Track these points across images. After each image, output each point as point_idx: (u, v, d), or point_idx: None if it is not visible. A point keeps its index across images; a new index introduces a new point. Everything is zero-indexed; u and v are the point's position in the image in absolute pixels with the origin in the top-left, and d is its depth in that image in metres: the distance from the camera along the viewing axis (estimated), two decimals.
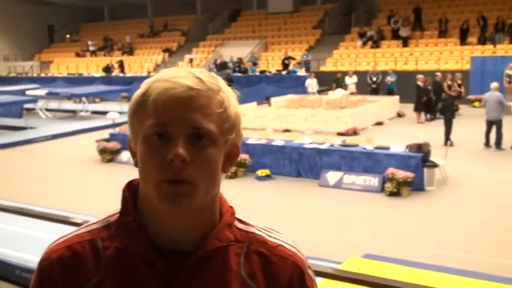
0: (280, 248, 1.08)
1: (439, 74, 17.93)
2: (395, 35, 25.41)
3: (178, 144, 0.93)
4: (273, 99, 18.78)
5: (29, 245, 6.71)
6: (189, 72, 0.99)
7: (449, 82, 17.92)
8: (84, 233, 1.05)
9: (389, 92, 19.99)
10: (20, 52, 36.00)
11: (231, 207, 1.09)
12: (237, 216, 1.09)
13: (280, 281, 1.05)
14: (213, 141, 0.97)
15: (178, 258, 1.00)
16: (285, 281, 1.05)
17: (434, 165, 9.77)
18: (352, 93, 19.79)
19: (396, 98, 18.86)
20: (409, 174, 9.33)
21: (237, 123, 1.02)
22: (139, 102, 0.98)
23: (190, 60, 28.58)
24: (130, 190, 1.06)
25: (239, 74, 24.61)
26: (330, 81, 21.61)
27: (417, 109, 16.96)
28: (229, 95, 1.01)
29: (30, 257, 6.24)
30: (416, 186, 9.50)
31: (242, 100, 1.07)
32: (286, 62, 25.44)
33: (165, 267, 0.99)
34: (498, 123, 12.45)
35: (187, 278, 0.99)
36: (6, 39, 35.72)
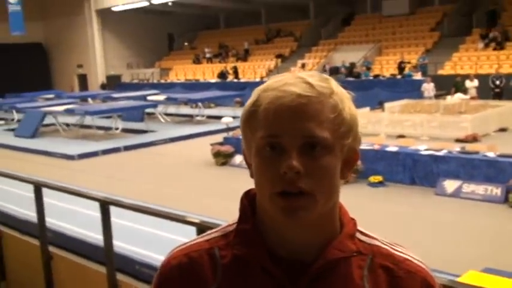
0: (408, 263, 1.01)
1: None
2: None
3: (292, 156, 0.90)
4: (386, 104, 18.30)
5: (146, 240, 7.07)
6: (299, 77, 0.95)
7: None
8: (203, 242, 1.06)
9: None
10: (142, 60, 38.19)
11: (352, 218, 1.04)
12: (359, 228, 1.04)
13: None
14: (327, 149, 0.92)
15: (296, 268, 0.97)
16: None
17: None
18: (472, 98, 18.75)
19: None
20: None
21: (353, 126, 0.97)
22: (250, 112, 0.96)
23: (303, 66, 28.69)
24: (248, 199, 1.04)
25: (351, 79, 24.28)
26: (448, 85, 20.63)
27: None
28: (343, 97, 0.96)
29: (147, 252, 6.57)
30: None
31: (355, 105, 1.01)
32: (402, 65, 24.69)
33: (283, 277, 0.96)
34: None
35: None
36: (129, 48, 38.06)
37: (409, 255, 1.03)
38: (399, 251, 1.03)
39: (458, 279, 5.18)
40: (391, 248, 1.03)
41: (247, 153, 1.00)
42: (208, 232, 1.08)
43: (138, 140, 17.52)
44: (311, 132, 0.91)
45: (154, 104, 22.24)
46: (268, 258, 0.97)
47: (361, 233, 1.04)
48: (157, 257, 6.17)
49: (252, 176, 0.99)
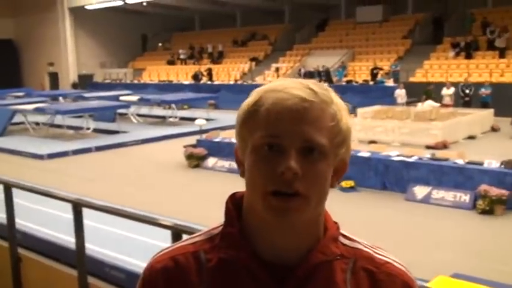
0: (389, 266, 1.04)
1: None
2: (490, 46, 24.27)
3: (291, 157, 0.92)
4: (359, 110, 18.49)
5: (118, 244, 6.99)
6: (302, 83, 0.97)
7: None
8: (188, 245, 1.06)
9: (484, 105, 19.11)
10: (115, 59, 37.82)
11: (335, 222, 1.06)
12: (342, 231, 1.06)
13: None
14: (324, 155, 0.94)
15: (282, 271, 0.98)
16: None
17: None
18: (447, 105, 19.07)
19: (491, 111, 17.97)
20: (503, 192, 8.83)
21: (347, 137, 0.99)
22: (250, 112, 0.97)
23: (277, 69, 28.80)
24: (233, 203, 1.05)
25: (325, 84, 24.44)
26: (419, 92, 20.97)
27: None
28: (341, 107, 0.99)
29: (118, 255, 6.50)
30: None
31: None
32: (375, 72, 25.00)
33: (268, 280, 0.97)
34: None
35: None
36: (102, 47, 37.68)
37: (390, 259, 1.05)
38: (381, 254, 1.05)
39: (428, 285, 5.26)
40: (373, 251, 1.05)
41: (240, 152, 1.01)
42: (192, 236, 1.09)
43: (110, 141, 17.32)
44: (311, 136, 0.93)
45: (127, 105, 22.04)
46: (254, 262, 0.98)
47: (344, 236, 1.06)
48: (128, 260, 6.11)
49: (242, 174, 1.00)
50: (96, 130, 19.49)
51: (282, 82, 0.98)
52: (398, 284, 1.02)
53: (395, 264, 1.05)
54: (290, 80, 0.99)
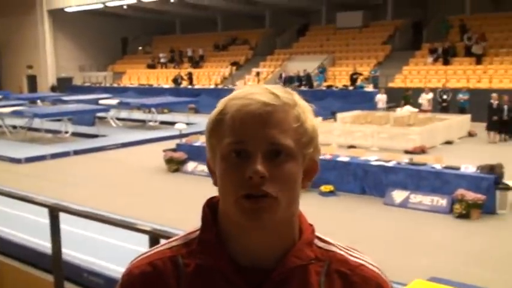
0: (362, 268, 1.05)
1: None
2: (468, 52, 24.64)
3: (257, 161, 0.93)
4: (338, 115, 18.62)
5: (96, 249, 6.93)
6: (264, 88, 0.99)
7: None
8: (165, 250, 1.06)
9: (461, 110, 19.38)
10: (94, 63, 37.53)
11: (310, 225, 1.07)
12: (317, 234, 1.08)
13: None
14: (291, 157, 0.96)
15: (258, 275, 0.99)
16: None
17: (508, 188, 9.35)
18: (425, 111, 19.29)
19: (468, 116, 18.23)
20: (479, 196, 8.96)
21: (314, 137, 1.01)
22: (217, 121, 0.99)
23: (257, 74, 28.84)
24: (210, 207, 1.06)
25: (305, 89, 24.57)
26: (398, 97, 21.20)
27: (489, 128, 16.38)
28: (305, 109, 1.00)
29: (96, 260, 6.45)
30: (487, 209, 9.11)
31: None
32: (354, 77, 25.20)
33: (245, 285, 0.98)
34: None
35: None
36: (82, 50, 37.36)
37: (365, 261, 1.07)
38: (355, 257, 1.07)
39: None
40: (347, 253, 1.07)
41: (211, 161, 1.03)
42: (169, 240, 1.09)
43: (89, 145, 17.18)
44: (275, 139, 0.94)
45: (106, 108, 21.88)
46: (230, 268, 0.99)
47: (319, 239, 1.07)
48: (106, 265, 6.06)
49: (215, 183, 1.01)
50: (74, 134, 19.32)
51: (245, 89, 1.00)
52: (372, 286, 1.04)
53: (369, 266, 1.06)
54: (253, 86, 1.01)
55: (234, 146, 0.95)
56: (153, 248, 1.09)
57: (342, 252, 1.06)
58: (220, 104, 1.01)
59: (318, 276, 1.02)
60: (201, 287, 1.00)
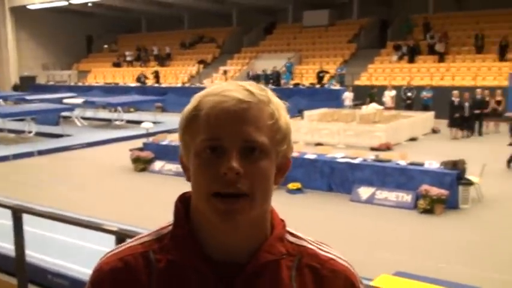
0: (332, 262, 1.07)
1: (479, 90, 17.65)
2: (431, 50, 25.12)
3: (232, 157, 0.94)
4: (305, 113, 18.74)
5: (61, 250, 6.82)
6: (239, 85, 0.99)
7: (487, 98, 17.62)
8: (136, 246, 1.05)
9: (425, 107, 19.75)
10: (58, 61, 36.87)
11: (282, 220, 1.08)
12: (288, 229, 1.09)
13: None
14: (265, 154, 0.97)
15: (230, 270, 1.00)
16: None
17: (470, 183, 9.57)
18: (388, 108, 19.59)
19: (431, 113, 18.60)
20: (443, 192, 9.16)
21: (288, 134, 1.02)
22: (191, 118, 0.99)
23: (225, 72, 28.80)
24: (183, 202, 1.06)
25: (272, 87, 24.65)
26: (364, 95, 21.47)
27: (451, 125, 16.74)
28: (279, 106, 1.01)
29: (61, 262, 6.35)
30: (451, 204, 9.32)
31: None
32: (321, 75, 25.40)
33: (217, 280, 0.99)
34: None
35: None
36: (45, 48, 36.65)
37: (334, 255, 1.09)
38: (325, 251, 1.09)
39: (371, 283, 5.38)
40: (318, 248, 1.09)
41: (185, 158, 1.02)
42: (140, 236, 1.08)
43: (53, 145, 16.88)
44: (251, 136, 0.95)
45: (71, 107, 21.53)
46: (202, 262, 0.99)
47: (291, 234, 1.09)
48: (72, 267, 5.98)
49: (188, 179, 1.01)
50: (38, 134, 18.94)
51: (219, 85, 1.00)
52: (341, 279, 1.06)
53: (339, 260, 1.08)
54: (228, 83, 1.01)
55: (208, 142, 0.95)
56: (123, 243, 1.08)
57: (312, 247, 1.08)
58: (194, 101, 1.00)
59: (289, 270, 1.03)
60: (173, 282, 1.00)
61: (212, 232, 1.00)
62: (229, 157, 0.93)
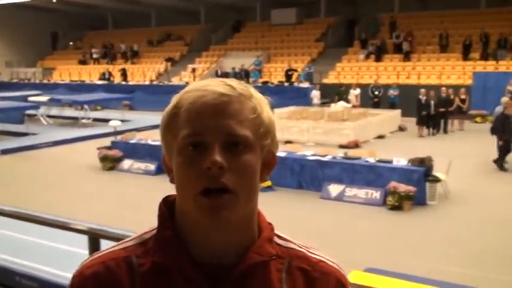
0: (322, 264, 1.07)
1: (444, 88, 17.99)
2: (397, 49, 25.49)
3: (215, 152, 0.91)
4: (275, 111, 18.79)
5: (28, 250, 6.68)
6: (220, 80, 0.98)
7: (452, 97, 17.98)
8: (119, 250, 1.03)
9: (392, 105, 20.03)
10: (22, 58, 36.09)
11: (269, 223, 1.07)
12: (276, 232, 1.07)
13: None
14: (249, 148, 0.95)
15: (217, 273, 0.97)
16: None
17: (437, 180, 9.75)
18: (354, 106, 19.81)
19: (398, 111, 18.86)
20: (411, 188, 9.30)
21: (271, 128, 1.01)
22: (171, 115, 0.97)
23: (193, 70, 28.64)
24: (167, 205, 1.03)
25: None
26: (332, 93, 21.65)
27: (418, 123, 17.02)
28: (261, 101, 1.00)
29: (29, 263, 6.21)
30: (418, 200, 9.48)
31: None
32: (289, 73, 25.51)
33: (204, 283, 0.96)
34: None
35: None
36: (8, 45, 35.84)
37: (323, 257, 1.09)
38: (314, 254, 1.08)
39: None
40: (307, 250, 1.08)
41: (167, 158, 1.00)
42: (124, 241, 1.06)
43: (18, 143, 16.51)
44: (233, 129, 0.93)
45: (36, 105, 21.11)
46: (189, 265, 0.97)
47: (278, 236, 1.07)
48: (41, 268, 5.86)
49: (171, 181, 0.99)
50: (2, 132, 18.49)
51: (200, 82, 0.99)
52: (332, 281, 1.05)
53: (328, 262, 1.08)
54: (208, 80, 1.00)
55: (190, 138, 0.93)
56: (105, 249, 1.06)
57: (301, 250, 1.07)
58: (174, 99, 0.99)
59: (278, 273, 1.01)
60: (157, 286, 0.97)
61: (198, 234, 0.98)
62: (212, 152, 0.91)
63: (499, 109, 13.33)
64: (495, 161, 12.17)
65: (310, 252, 1.08)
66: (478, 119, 19.29)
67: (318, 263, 1.06)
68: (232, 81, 0.98)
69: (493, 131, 12.25)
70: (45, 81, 33.34)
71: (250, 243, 1.00)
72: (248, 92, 0.98)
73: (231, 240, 0.98)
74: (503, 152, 12.04)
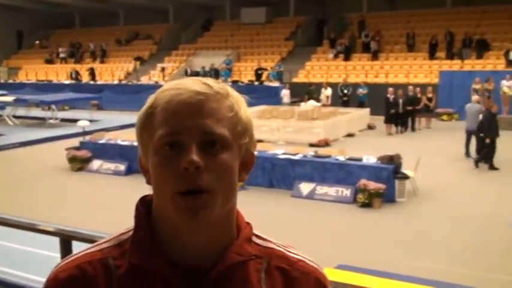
0: (301, 264, 1.05)
1: (411, 87, 18.27)
2: (366, 48, 25.78)
3: (191, 151, 0.90)
4: None
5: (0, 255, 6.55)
6: (196, 79, 0.97)
7: (419, 95, 18.27)
8: (94, 252, 1.00)
9: (361, 104, 20.24)
10: None
11: (248, 223, 1.06)
12: (254, 231, 1.06)
13: None
14: (226, 147, 0.93)
15: (195, 274, 0.96)
16: None
17: (405, 177, 9.91)
18: (325, 105, 19.95)
19: (367, 110, 19.09)
20: (380, 186, 9.43)
21: (249, 127, 0.99)
22: (147, 115, 0.95)
23: (162, 69, 28.42)
24: (144, 206, 1.01)
25: None
26: (302, 92, 21.77)
27: (387, 121, 17.25)
28: (238, 99, 0.99)
29: (2, 268, 6.09)
30: (388, 197, 9.62)
31: None
32: (259, 72, 25.55)
33: (183, 284, 0.94)
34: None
35: None
36: None
37: (303, 257, 1.07)
38: (293, 253, 1.07)
39: None
40: (286, 250, 1.07)
41: (143, 159, 0.98)
42: (99, 242, 1.03)
43: None
44: (210, 128, 0.92)
45: (2, 106, 20.68)
46: (166, 266, 0.95)
47: (257, 236, 1.06)
48: (7, 271, 5.74)
49: (148, 182, 0.97)
50: None
51: (176, 81, 0.98)
52: (312, 280, 1.04)
53: (308, 262, 1.06)
54: (185, 78, 0.99)
55: (167, 138, 0.92)
56: (80, 251, 1.03)
57: (280, 249, 1.06)
58: (150, 98, 0.97)
59: (258, 273, 1.00)
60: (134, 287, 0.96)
61: (175, 235, 0.96)
62: (189, 151, 0.90)
63: (469, 107, 13.59)
64: (476, 162, 12.19)
65: (289, 252, 1.07)
66: (445, 117, 19.68)
67: (297, 262, 1.05)
68: (209, 80, 0.97)
69: (480, 129, 12.26)
70: (10, 81, 32.64)
71: (229, 243, 0.99)
72: (225, 90, 0.97)
73: (209, 240, 0.97)
74: (491, 150, 11.97)
